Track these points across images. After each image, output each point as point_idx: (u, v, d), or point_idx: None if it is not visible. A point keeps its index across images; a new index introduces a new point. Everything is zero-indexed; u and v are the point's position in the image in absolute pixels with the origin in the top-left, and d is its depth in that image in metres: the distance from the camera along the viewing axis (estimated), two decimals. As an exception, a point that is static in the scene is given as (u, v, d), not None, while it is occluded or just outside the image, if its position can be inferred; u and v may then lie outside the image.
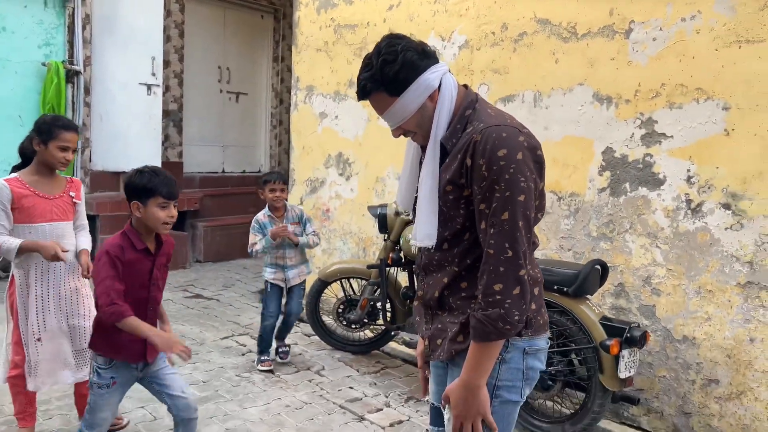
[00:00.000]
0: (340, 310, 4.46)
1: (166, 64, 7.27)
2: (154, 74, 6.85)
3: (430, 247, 1.76)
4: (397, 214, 4.12)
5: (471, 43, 4.30)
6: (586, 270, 3.20)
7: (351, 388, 3.94)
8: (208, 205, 7.47)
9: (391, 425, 3.46)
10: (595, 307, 3.31)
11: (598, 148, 3.64)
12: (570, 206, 3.79)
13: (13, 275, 2.87)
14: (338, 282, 4.53)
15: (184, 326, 4.92)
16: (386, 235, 4.21)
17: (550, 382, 3.30)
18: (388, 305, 4.28)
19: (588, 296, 3.33)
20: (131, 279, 2.44)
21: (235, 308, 5.51)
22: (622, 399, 3.25)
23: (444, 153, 1.73)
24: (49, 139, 2.77)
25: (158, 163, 6.91)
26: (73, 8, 6.35)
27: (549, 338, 1.84)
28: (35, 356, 2.79)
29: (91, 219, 6.50)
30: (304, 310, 4.55)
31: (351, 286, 4.49)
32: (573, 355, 3.32)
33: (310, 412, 3.57)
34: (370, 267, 4.15)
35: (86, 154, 6.66)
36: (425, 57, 1.70)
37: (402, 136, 1.81)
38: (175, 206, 2.51)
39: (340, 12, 5.33)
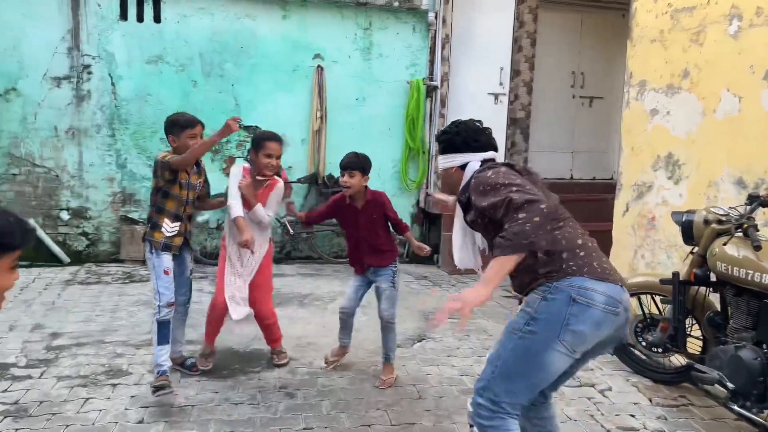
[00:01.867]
0: (638, 330, 3.96)
1: (516, 73, 7.54)
2: (501, 84, 7.20)
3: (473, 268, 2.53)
4: (707, 222, 3.45)
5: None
6: None
7: (632, 416, 3.49)
8: (549, 211, 7.45)
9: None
10: None
11: None
12: None
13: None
14: (644, 296, 4.04)
15: (488, 321, 5.07)
16: (693, 247, 3.57)
17: None
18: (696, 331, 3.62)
19: None
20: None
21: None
22: None
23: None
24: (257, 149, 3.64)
25: (501, 169, 7.24)
26: (435, 31, 7.16)
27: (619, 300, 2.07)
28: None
29: (436, 217, 7.23)
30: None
31: (655, 302, 3.94)
32: None
33: (571, 428, 3.30)
34: (663, 282, 3.58)
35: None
36: (466, 146, 2.44)
37: None
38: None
39: (678, -5, 4.71)
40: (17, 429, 3.00)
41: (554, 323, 2.04)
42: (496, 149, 2.51)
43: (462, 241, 2.46)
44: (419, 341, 4.53)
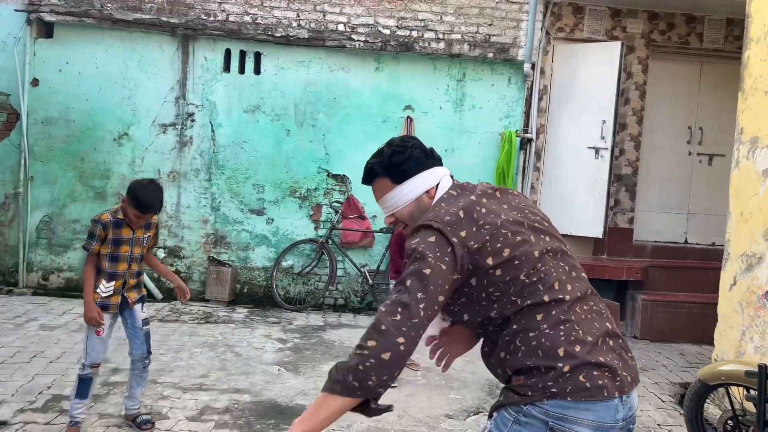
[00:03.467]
0: (728, 428, 3.34)
1: (622, 126, 7.01)
2: (603, 137, 6.71)
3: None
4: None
5: None
6: None
7: None
8: (654, 277, 6.73)
9: None
10: None
11: None
12: None
13: None
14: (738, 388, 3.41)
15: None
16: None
17: None
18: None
19: None
20: None
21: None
22: None
23: None
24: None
25: (600, 229, 6.69)
26: (532, 82, 6.88)
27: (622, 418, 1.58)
28: None
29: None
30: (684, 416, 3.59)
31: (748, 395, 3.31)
32: None
33: None
34: (748, 374, 2.99)
35: (532, 216, 7.01)
36: (431, 158, 1.86)
37: None
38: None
39: (796, 41, 4.13)
40: (40, 465, 3.05)
41: None
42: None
43: None
44: (475, 414, 4.15)
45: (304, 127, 6.91)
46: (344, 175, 6.92)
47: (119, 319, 3.59)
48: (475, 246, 1.61)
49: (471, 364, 5.22)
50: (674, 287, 6.74)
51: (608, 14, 6.95)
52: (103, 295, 3.43)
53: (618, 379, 1.59)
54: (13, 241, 6.78)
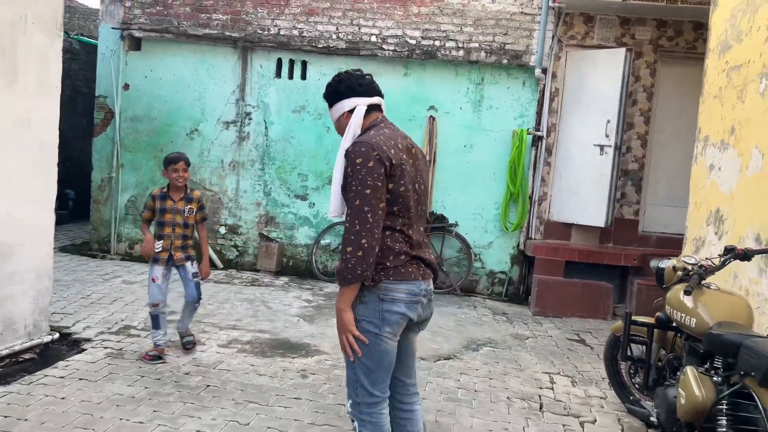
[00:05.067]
0: (632, 371, 4.12)
1: (630, 126, 7.63)
2: (607, 136, 7.37)
3: (338, 216, 2.59)
4: (675, 269, 3.63)
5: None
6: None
7: (590, 444, 3.73)
8: (655, 265, 7.32)
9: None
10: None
11: None
12: None
13: None
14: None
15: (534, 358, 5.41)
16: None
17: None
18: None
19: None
20: None
21: (584, 357, 5.54)
22: None
23: None
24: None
25: (603, 219, 7.37)
26: (544, 85, 7.64)
27: (418, 291, 2.49)
28: None
29: (531, 260, 7.57)
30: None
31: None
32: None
33: (519, 441, 3.69)
34: (633, 324, 3.78)
35: (543, 206, 7.79)
36: (351, 91, 2.59)
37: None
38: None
39: (734, 53, 4.77)
40: (108, 364, 4.32)
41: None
42: (381, 95, 2.64)
43: (336, 190, 2.54)
44: (446, 359, 5.09)
45: (343, 125, 8.01)
46: (376, 167, 7.96)
47: (173, 272, 4.68)
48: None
49: (461, 326, 6.15)
50: (671, 274, 7.29)
51: (618, 23, 7.59)
52: (156, 250, 4.56)
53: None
54: (107, 216, 8.33)
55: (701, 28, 7.52)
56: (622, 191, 7.73)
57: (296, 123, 8.08)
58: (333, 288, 7.45)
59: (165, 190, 4.61)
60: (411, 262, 2.50)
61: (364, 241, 2.31)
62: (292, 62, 8.03)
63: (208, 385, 4.12)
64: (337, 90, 2.60)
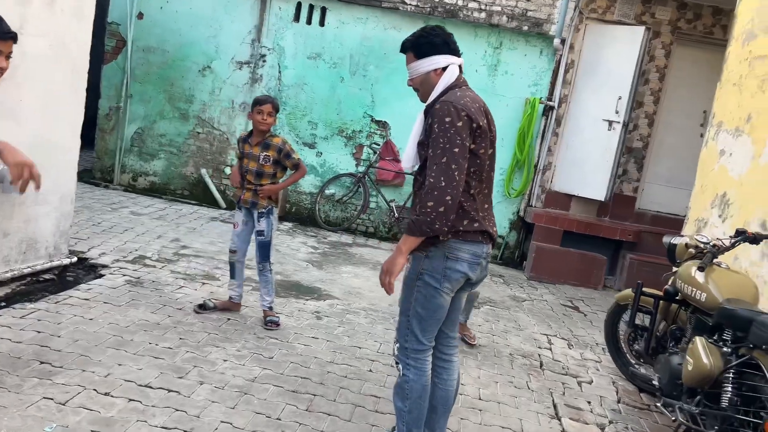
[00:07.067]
0: (630, 339, 4.36)
1: (639, 104, 7.77)
2: (617, 112, 7.51)
3: (409, 168, 2.71)
4: (687, 246, 3.83)
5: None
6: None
7: (588, 402, 3.98)
8: (648, 242, 7.58)
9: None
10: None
11: None
12: None
13: None
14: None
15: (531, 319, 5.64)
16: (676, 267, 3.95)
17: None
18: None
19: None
20: None
21: (578, 322, 5.79)
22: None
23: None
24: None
25: (604, 194, 7.57)
26: (561, 56, 7.71)
27: (480, 253, 2.57)
28: None
29: (529, 227, 7.77)
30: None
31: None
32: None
33: (525, 394, 3.93)
34: (643, 294, 3.98)
35: (547, 176, 7.95)
36: (446, 47, 2.59)
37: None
38: None
39: (759, 43, 4.89)
40: (129, 291, 4.44)
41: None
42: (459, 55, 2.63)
43: (413, 143, 2.62)
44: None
45: (356, 76, 8.02)
46: (385, 122, 8.02)
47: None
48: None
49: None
50: (662, 251, 7.49)
51: (639, 0, 7.63)
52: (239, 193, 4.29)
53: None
54: (112, 145, 8.30)
55: (720, 13, 7.62)
56: (624, 168, 7.92)
57: (311, 70, 8.05)
58: (336, 237, 7.59)
59: (248, 133, 4.31)
60: (479, 228, 2.58)
61: (448, 197, 2.35)
62: (311, 7, 7.95)
63: (229, 318, 4.27)
64: (432, 43, 2.54)
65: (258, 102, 4.14)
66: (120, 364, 3.33)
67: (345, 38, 7.96)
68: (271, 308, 4.31)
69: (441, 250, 2.51)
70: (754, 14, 5.08)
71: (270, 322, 4.24)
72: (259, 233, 4.23)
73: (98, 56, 7.96)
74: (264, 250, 4.23)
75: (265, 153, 4.17)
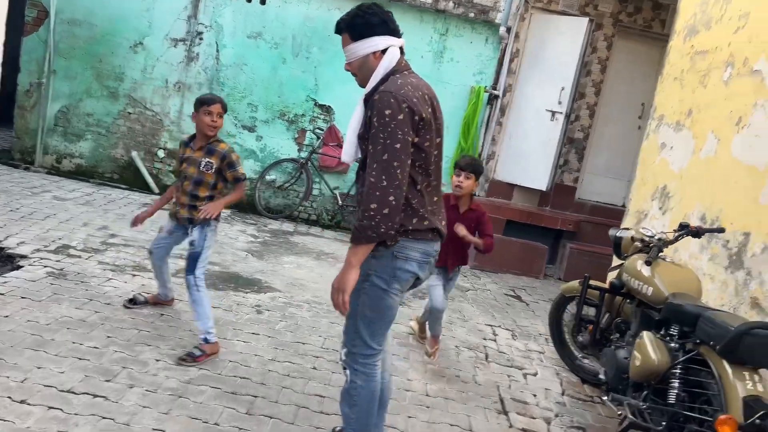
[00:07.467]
0: (575, 331, 4.36)
1: (581, 95, 7.85)
2: (560, 102, 7.56)
3: (348, 162, 2.51)
4: (633, 239, 3.84)
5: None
6: (735, 332, 2.54)
7: (534, 395, 3.96)
8: (587, 231, 7.70)
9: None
10: (755, 383, 2.55)
11: None
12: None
13: None
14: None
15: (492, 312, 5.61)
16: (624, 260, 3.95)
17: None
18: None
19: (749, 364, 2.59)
20: None
21: (521, 312, 5.82)
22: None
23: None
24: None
25: (545, 184, 7.62)
26: (506, 45, 7.67)
27: (430, 251, 2.43)
28: None
29: (473, 215, 7.75)
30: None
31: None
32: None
33: (472, 388, 3.86)
34: (588, 287, 3.98)
35: (490, 165, 7.94)
36: (384, 26, 2.36)
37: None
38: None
39: (701, 38, 4.96)
40: (51, 284, 4.09)
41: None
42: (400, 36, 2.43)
43: (352, 135, 2.43)
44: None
45: (299, 58, 7.74)
46: (329, 106, 7.79)
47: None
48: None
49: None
50: (601, 241, 7.69)
51: (583, -9, 7.68)
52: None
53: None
54: (33, 125, 7.71)
55: (660, 8, 7.76)
56: (566, 158, 8.00)
57: (251, 50, 7.72)
58: (277, 225, 7.35)
59: (191, 136, 3.82)
60: (428, 226, 2.43)
61: (391, 198, 2.19)
62: (252, -16, 7.60)
63: (162, 314, 4.01)
64: (369, 23, 2.31)
65: (205, 102, 3.62)
66: (39, 367, 3.04)
67: (287, 18, 7.66)
68: (206, 340, 3.51)
69: (389, 249, 2.35)
70: (697, 9, 5.15)
71: (188, 355, 3.43)
72: (191, 243, 3.65)
73: (17, 27, 7.38)
74: (191, 262, 3.61)
75: (207, 159, 3.63)
